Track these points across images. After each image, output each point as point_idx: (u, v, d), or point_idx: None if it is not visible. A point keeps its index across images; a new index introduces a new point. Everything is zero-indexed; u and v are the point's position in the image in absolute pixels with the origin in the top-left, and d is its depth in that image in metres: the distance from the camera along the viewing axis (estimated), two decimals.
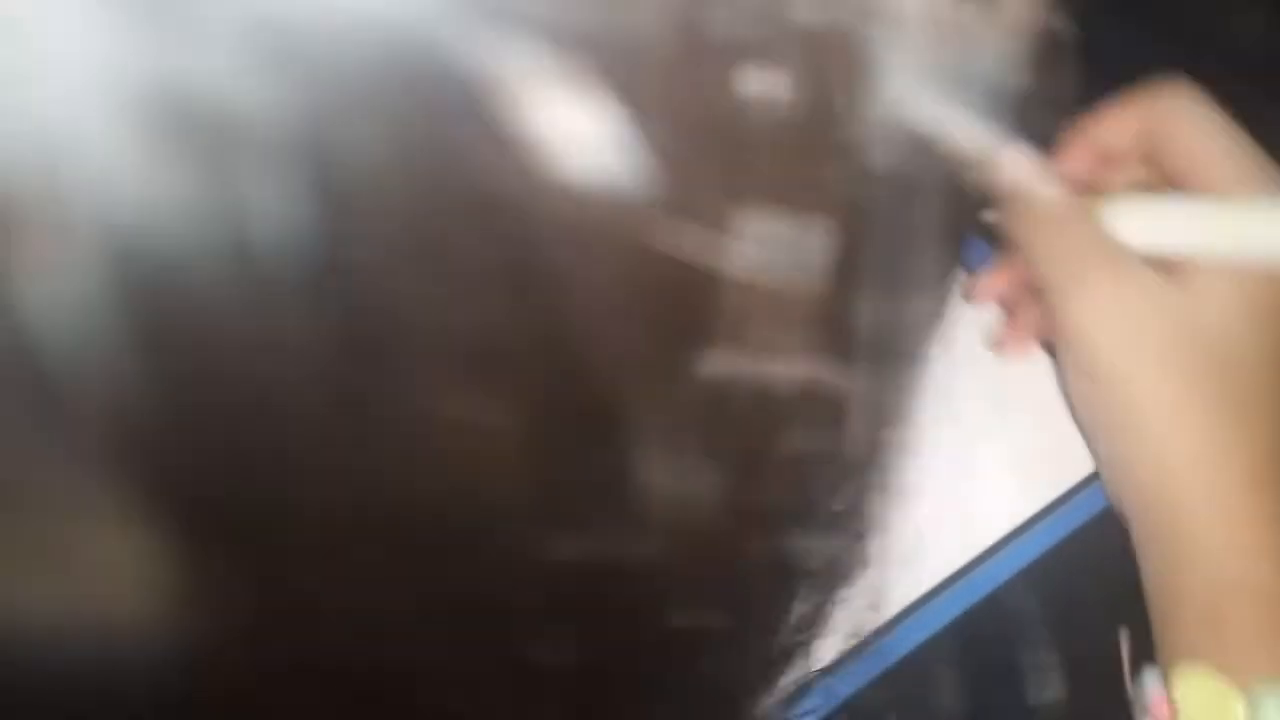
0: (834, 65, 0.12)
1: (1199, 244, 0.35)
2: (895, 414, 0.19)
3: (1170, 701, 0.33)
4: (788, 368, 0.15)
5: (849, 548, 0.21)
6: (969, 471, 0.42)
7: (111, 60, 0.10)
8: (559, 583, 0.14)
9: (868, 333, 0.16)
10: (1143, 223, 0.36)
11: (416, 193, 0.11)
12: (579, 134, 0.11)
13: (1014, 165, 0.27)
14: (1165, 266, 0.36)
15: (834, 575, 0.22)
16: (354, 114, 0.10)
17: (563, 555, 0.13)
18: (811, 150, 0.12)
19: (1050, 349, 0.41)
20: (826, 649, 0.27)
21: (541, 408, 0.12)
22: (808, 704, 0.35)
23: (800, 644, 0.23)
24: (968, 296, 0.40)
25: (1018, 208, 0.37)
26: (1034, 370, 0.42)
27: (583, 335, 0.12)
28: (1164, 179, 0.37)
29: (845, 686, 0.39)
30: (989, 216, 0.38)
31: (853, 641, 0.41)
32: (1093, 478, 0.41)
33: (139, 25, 0.10)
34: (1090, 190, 0.38)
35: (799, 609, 0.23)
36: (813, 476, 0.19)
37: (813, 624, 0.23)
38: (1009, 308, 0.41)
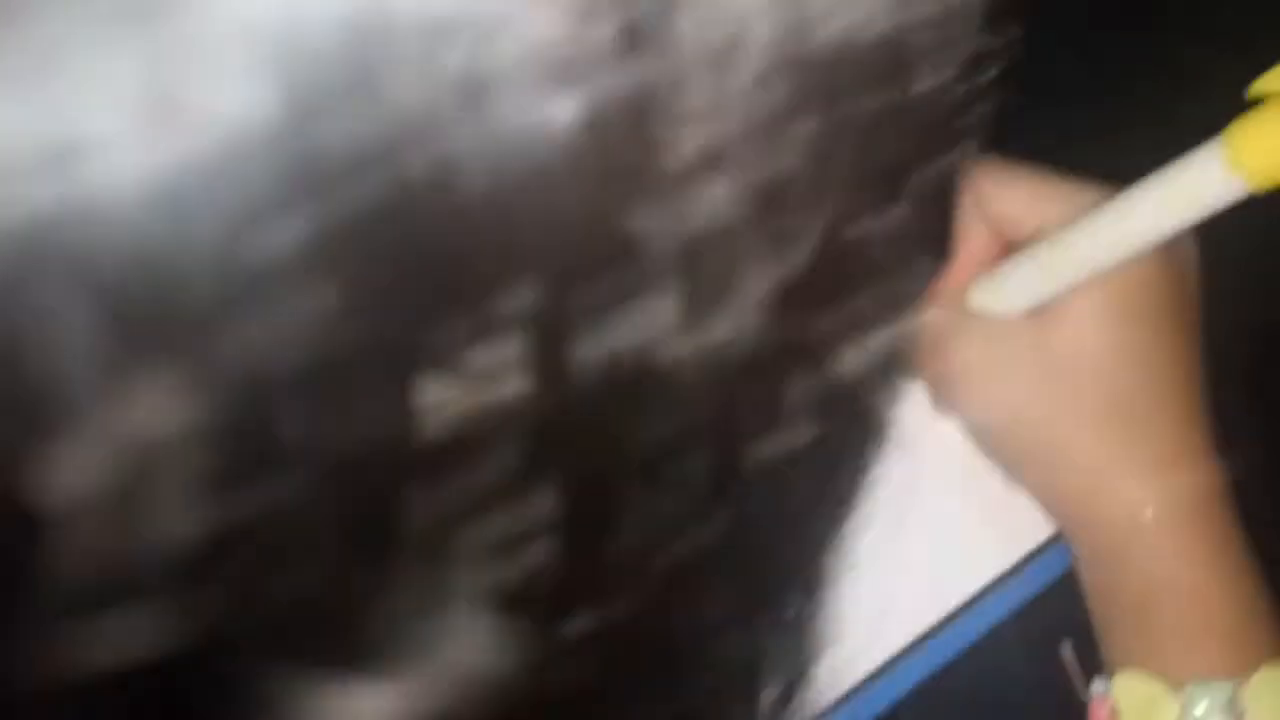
0: None
1: (1058, 279, 0.37)
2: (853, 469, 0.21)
3: (1109, 704, 0.35)
4: None
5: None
6: (941, 527, 0.42)
7: None
8: None
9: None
10: (1009, 287, 0.38)
11: None
12: None
13: None
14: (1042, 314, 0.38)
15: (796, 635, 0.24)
16: None
17: None
18: None
19: None
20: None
21: None
22: None
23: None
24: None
25: None
26: None
27: None
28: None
29: None
30: None
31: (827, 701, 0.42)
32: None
33: None
34: None
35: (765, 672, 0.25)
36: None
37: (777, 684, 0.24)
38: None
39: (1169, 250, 0.37)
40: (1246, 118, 0.32)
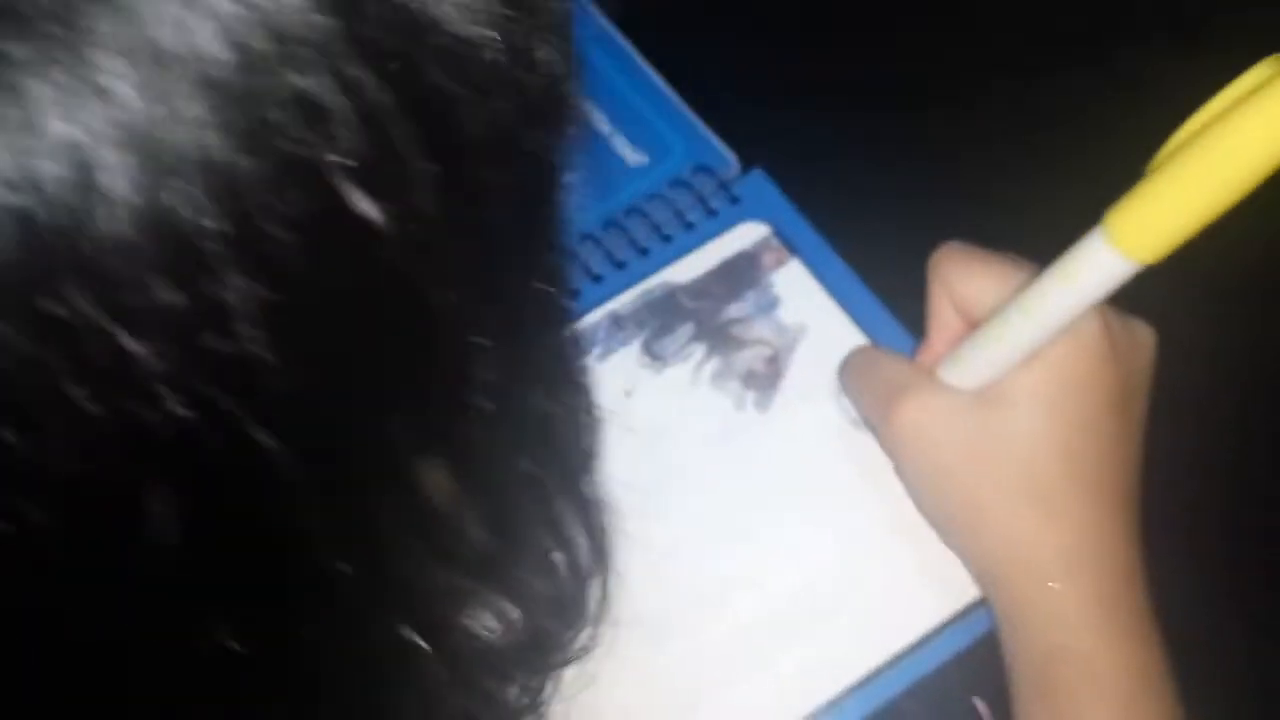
0: None
1: (994, 358, 0.41)
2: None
3: None
4: None
5: None
6: (883, 577, 0.46)
7: None
8: None
9: None
10: (962, 365, 0.42)
11: None
12: None
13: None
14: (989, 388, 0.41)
15: None
16: None
17: None
18: None
19: None
20: None
21: None
22: None
23: None
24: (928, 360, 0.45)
25: (845, 365, 0.46)
26: None
27: None
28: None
29: None
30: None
31: None
32: None
33: None
34: None
35: None
36: None
37: None
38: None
39: (1116, 342, 0.40)
40: (1122, 198, 0.35)
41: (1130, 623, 0.39)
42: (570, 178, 0.21)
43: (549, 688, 0.35)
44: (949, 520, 0.43)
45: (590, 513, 0.30)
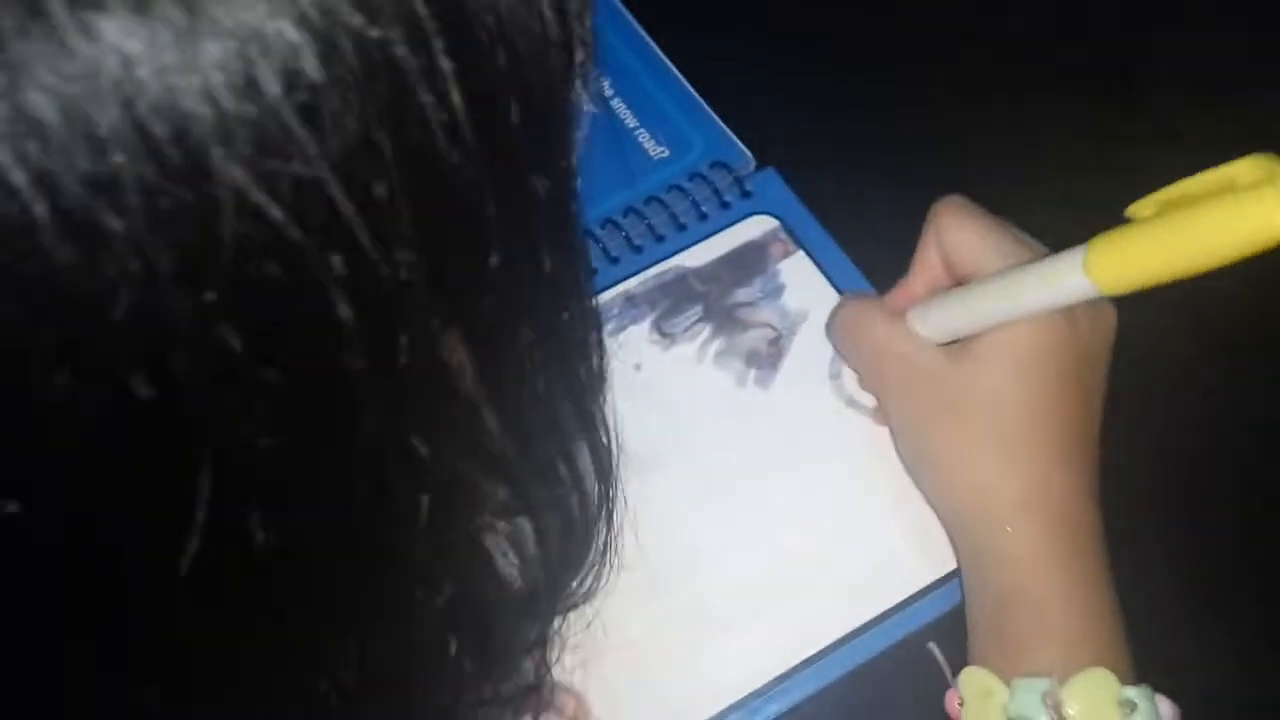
0: None
1: (963, 323, 0.44)
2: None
3: (958, 694, 0.41)
4: None
5: None
6: (869, 545, 0.49)
7: None
8: None
9: None
10: (934, 318, 0.45)
11: None
12: None
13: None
14: (960, 344, 0.45)
15: None
16: None
17: None
18: None
19: None
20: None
21: None
22: None
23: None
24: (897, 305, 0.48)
25: (832, 318, 0.49)
26: None
27: None
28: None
29: None
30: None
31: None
32: None
33: None
34: None
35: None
36: None
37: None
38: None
39: (1077, 318, 0.43)
40: (1104, 234, 0.39)
41: (1082, 572, 0.42)
42: (579, 104, 0.24)
43: (555, 625, 0.38)
44: (921, 464, 0.46)
45: (594, 432, 0.32)
